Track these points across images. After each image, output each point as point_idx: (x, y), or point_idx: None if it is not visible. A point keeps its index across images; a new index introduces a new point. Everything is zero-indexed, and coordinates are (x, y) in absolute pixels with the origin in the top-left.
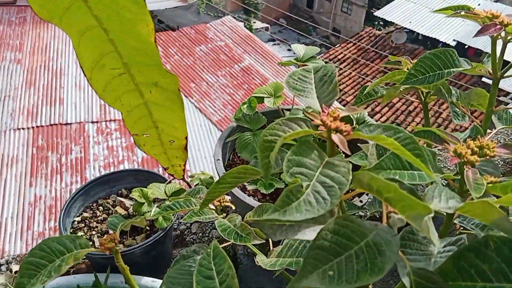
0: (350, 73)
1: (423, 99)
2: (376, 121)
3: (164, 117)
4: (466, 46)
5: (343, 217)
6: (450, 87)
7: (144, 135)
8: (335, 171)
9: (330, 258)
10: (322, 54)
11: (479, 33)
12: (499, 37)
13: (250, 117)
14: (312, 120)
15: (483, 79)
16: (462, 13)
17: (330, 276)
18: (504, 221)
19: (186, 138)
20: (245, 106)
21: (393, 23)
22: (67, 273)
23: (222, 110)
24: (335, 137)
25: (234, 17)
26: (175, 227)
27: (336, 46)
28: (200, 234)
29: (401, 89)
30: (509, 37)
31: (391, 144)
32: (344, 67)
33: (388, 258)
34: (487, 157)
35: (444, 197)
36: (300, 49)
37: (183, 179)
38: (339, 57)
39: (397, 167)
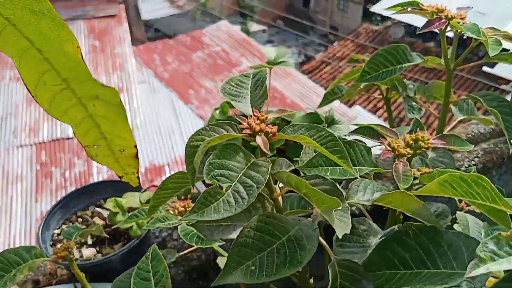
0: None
1: (384, 95)
2: (379, 117)
3: (110, 129)
4: (464, 37)
5: (266, 215)
6: (406, 81)
7: (95, 146)
8: (256, 171)
9: (253, 254)
10: (321, 53)
11: (423, 27)
12: (447, 29)
13: None
14: (241, 123)
15: (484, 68)
16: (409, 9)
17: (252, 271)
18: (422, 210)
19: (135, 146)
20: (217, 111)
21: (390, 18)
22: (49, 284)
23: None
24: (258, 139)
25: (231, 22)
26: (157, 234)
27: (334, 44)
28: (181, 241)
29: (361, 87)
30: (459, 30)
31: (310, 143)
32: (343, 64)
33: (308, 251)
34: (423, 149)
35: (370, 191)
36: (271, 52)
37: (140, 185)
38: (338, 55)
39: (329, 164)
